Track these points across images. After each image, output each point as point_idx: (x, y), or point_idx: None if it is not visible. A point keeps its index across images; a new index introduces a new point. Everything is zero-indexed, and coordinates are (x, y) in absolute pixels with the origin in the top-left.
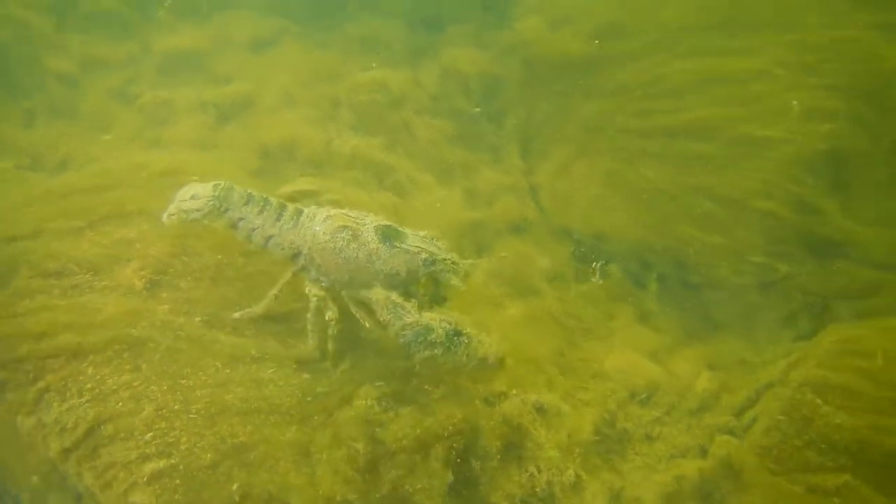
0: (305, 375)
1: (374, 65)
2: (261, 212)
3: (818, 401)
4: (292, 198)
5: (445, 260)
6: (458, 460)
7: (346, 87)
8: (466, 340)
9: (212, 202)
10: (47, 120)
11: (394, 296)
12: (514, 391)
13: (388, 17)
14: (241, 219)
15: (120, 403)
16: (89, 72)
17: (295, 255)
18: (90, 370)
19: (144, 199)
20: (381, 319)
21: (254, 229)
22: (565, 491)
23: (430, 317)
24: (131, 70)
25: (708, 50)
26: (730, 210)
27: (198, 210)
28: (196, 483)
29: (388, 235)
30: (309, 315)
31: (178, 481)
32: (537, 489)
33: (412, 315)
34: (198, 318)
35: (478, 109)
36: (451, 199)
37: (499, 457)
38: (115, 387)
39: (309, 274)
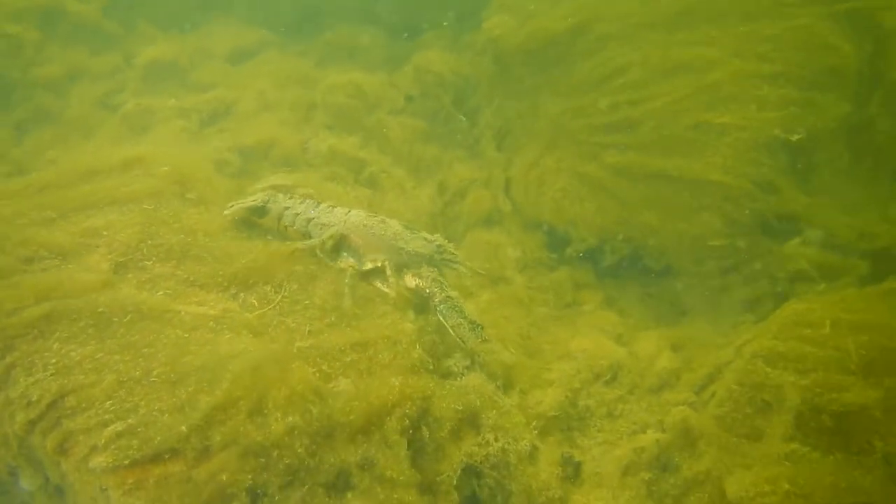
0: (256, 340)
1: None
2: (301, 202)
3: (767, 368)
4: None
5: (452, 252)
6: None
7: (322, 90)
8: (484, 335)
9: (264, 196)
10: (33, 129)
11: (436, 274)
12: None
13: (368, 25)
14: (286, 208)
15: (82, 375)
16: (74, 82)
17: (332, 234)
18: (56, 346)
19: (114, 190)
20: (427, 290)
21: (297, 214)
22: (521, 460)
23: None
24: (115, 80)
25: (667, 42)
26: (691, 196)
27: (252, 202)
28: (152, 441)
29: (409, 227)
30: (346, 280)
31: (135, 441)
32: (491, 456)
33: (452, 292)
34: (161, 293)
35: (463, 118)
36: (424, 194)
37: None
38: (78, 359)
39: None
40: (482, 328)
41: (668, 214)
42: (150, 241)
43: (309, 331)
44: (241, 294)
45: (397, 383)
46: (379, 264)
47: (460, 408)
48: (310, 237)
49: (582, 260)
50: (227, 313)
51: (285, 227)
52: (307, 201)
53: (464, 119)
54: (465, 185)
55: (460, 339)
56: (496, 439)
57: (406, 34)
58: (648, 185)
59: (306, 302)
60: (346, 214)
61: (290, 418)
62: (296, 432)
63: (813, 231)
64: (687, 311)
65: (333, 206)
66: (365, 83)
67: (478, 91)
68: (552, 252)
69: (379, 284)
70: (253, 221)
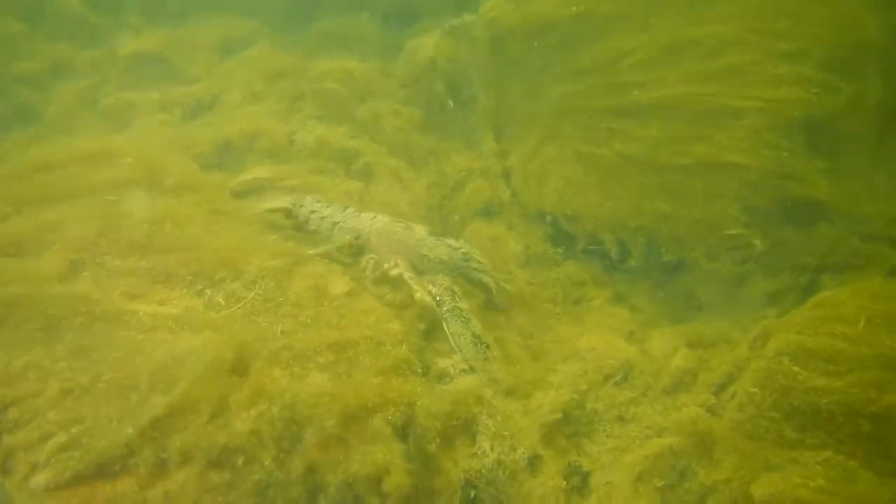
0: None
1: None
2: (328, 206)
3: (796, 368)
4: (248, 186)
5: (479, 261)
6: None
7: (311, 79)
8: (489, 354)
9: (291, 200)
10: (16, 126)
11: (454, 285)
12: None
13: (362, 14)
14: (313, 212)
15: (26, 384)
16: (58, 77)
17: (356, 237)
18: None
19: (75, 182)
20: (438, 298)
21: (323, 217)
22: (521, 470)
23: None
24: (99, 74)
25: (677, 21)
26: (706, 183)
27: (278, 203)
28: (98, 452)
29: (434, 233)
30: (367, 272)
31: (77, 453)
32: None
33: (463, 303)
34: (119, 291)
35: (451, 103)
36: (419, 185)
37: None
38: (22, 367)
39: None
40: (487, 346)
41: (680, 203)
42: (110, 235)
43: (282, 331)
44: (208, 291)
45: (377, 384)
46: (399, 270)
47: (452, 413)
48: (333, 239)
49: (589, 253)
50: (189, 312)
51: (311, 230)
52: (334, 205)
53: (451, 104)
54: (463, 175)
55: (459, 349)
56: (493, 448)
57: (401, 22)
58: (659, 172)
59: (280, 299)
60: (372, 220)
61: (256, 426)
62: (263, 441)
63: (836, 217)
64: (703, 306)
65: (360, 211)
66: (356, 70)
67: (476, 77)
68: (557, 246)
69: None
70: (279, 223)
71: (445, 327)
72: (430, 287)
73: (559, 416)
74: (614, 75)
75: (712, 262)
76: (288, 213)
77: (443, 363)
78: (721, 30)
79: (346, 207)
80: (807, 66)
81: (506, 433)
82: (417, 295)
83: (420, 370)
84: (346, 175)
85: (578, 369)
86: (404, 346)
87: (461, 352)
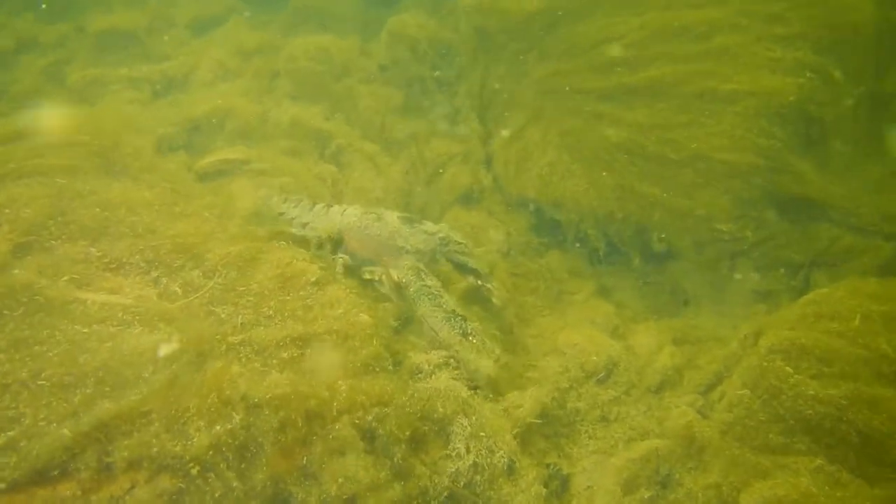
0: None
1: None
2: (296, 206)
3: (788, 369)
4: (214, 168)
5: (459, 242)
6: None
7: (286, 57)
8: (468, 327)
9: (255, 201)
10: None
11: (420, 265)
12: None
13: None
14: (280, 214)
15: None
16: (22, 53)
17: (328, 238)
18: None
19: (23, 162)
20: (403, 281)
21: (292, 220)
22: (499, 475)
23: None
24: (66, 51)
25: (667, 2)
26: (696, 171)
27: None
28: (36, 456)
29: (409, 220)
30: (338, 269)
31: (15, 458)
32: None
33: (431, 281)
34: (65, 279)
35: (437, 73)
36: (396, 170)
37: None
38: None
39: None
40: (464, 320)
41: (669, 192)
42: (60, 218)
43: (242, 323)
44: (164, 279)
45: (344, 386)
46: (377, 278)
47: (425, 415)
48: (305, 240)
49: (572, 244)
50: (142, 302)
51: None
52: (301, 204)
53: (436, 75)
54: (443, 160)
55: (435, 331)
56: (469, 451)
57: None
58: (647, 159)
59: (242, 289)
60: (342, 214)
61: (213, 428)
62: (219, 446)
63: (830, 210)
64: (690, 302)
65: (329, 206)
66: (333, 48)
67: (458, 58)
68: (540, 235)
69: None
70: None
71: (414, 308)
72: (395, 273)
73: (539, 415)
74: (601, 57)
75: (701, 254)
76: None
77: (417, 358)
78: (713, 12)
79: (314, 204)
80: (800, 51)
81: (483, 434)
82: (384, 289)
83: (391, 366)
84: (319, 158)
85: (560, 366)
86: (374, 341)
87: (437, 333)
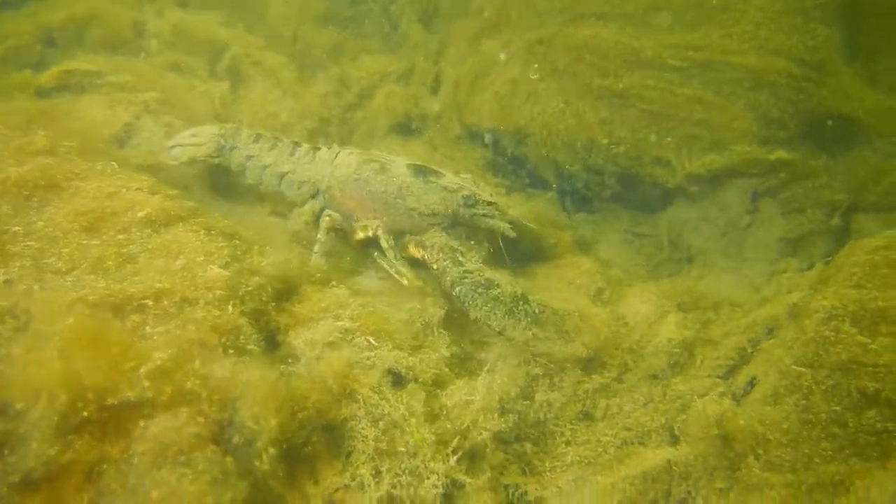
0: None
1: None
2: (272, 148)
3: (860, 337)
4: (63, 81)
5: (489, 203)
6: None
7: None
8: (535, 310)
9: (217, 139)
10: None
11: (451, 240)
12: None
13: None
14: (250, 157)
15: None
16: None
17: (313, 195)
18: None
19: None
20: (436, 266)
21: (265, 167)
22: None
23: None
24: None
25: None
26: (705, 81)
27: (203, 147)
28: None
29: (422, 171)
30: (320, 235)
31: None
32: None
33: (472, 262)
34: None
35: None
36: (312, 92)
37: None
38: None
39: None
40: (526, 301)
41: (670, 107)
42: None
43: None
44: None
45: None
46: (371, 233)
47: (303, 417)
48: (283, 198)
49: (541, 184)
50: None
51: (251, 185)
52: (279, 145)
53: None
54: (375, 80)
55: (500, 333)
56: (377, 474)
57: None
58: (642, 69)
59: (18, 229)
60: (333, 161)
61: None
62: None
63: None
64: (695, 257)
65: (316, 149)
66: None
67: None
68: (497, 174)
69: (385, 265)
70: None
71: (465, 309)
72: (420, 251)
73: (496, 413)
74: None
75: (710, 195)
76: (219, 151)
77: (306, 334)
78: None
79: (295, 149)
80: None
81: (403, 449)
82: (405, 281)
83: (257, 345)
84: (209, 75)
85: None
86: (230, 307)
87: (503, 334)
